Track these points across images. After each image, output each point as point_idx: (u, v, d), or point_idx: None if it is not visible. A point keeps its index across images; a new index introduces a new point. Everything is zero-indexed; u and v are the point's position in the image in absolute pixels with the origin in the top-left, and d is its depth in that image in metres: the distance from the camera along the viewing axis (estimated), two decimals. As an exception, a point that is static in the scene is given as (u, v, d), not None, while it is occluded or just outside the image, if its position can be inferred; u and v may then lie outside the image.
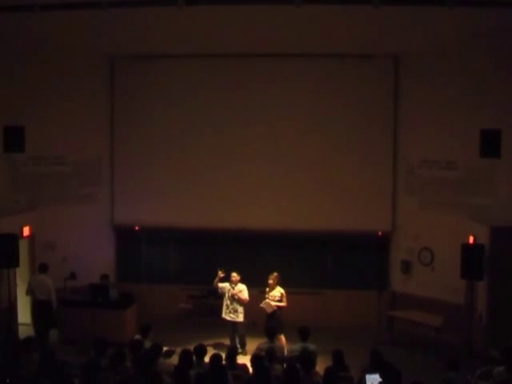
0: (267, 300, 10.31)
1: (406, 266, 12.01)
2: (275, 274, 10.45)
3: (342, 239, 12.29)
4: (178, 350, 7.48)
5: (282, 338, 9.94)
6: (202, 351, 7.31)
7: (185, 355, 7.01)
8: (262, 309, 10.29)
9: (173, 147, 12.53)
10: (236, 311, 10.42)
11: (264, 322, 10.07)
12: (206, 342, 8.09)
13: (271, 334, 8.36)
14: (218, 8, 8.91)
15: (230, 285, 10.49)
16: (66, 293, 11.15)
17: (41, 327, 10.38)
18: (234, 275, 10.50)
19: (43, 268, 10.92)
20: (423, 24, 9.77)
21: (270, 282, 10.38)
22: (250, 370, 7.31)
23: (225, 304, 10.55)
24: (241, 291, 10.43)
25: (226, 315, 10.50)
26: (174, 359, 7.47)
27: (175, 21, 9.66)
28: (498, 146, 9.91)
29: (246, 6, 8.69)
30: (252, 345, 9.41)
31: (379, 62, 12.14)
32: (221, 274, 10.57)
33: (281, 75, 12.27)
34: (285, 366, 7.49)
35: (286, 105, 12.28)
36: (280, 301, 10.30)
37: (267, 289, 10.45)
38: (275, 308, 10.23)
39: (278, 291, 10.37)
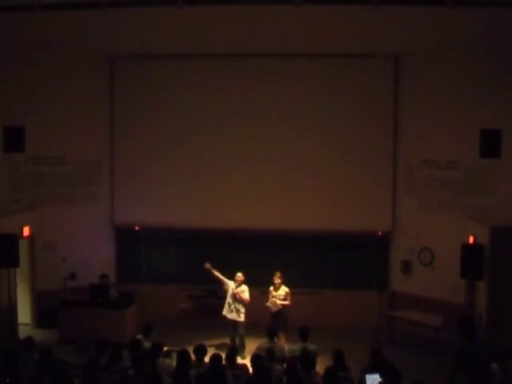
0: (273, 299, 10.37)
1: (406, 266, 12.02)
2: (279, 273, 10.48)
3: (341, 239, 12.29)
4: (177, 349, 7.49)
5: (282, 337, 9.97)
6: (201, 351, 7.31)
7: (183, 355, 7.01)
8: (267, 308, 10.37)
9: (173, 147, 12.52)
10: (238, 311, 10.41)
11: (269, 321, 10.16)
12: (205, 342, 8.09)
13: (271, 334, 8.37)
14: (218, 8, 8.91)
15: (234, 284, 10.50)
16: (65, 293, 11.16)
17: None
18: (240, 275, 10.49)
19: None
20: (423, 24, 9.77)
21: (278, 281, 10.44)
22: (250, 370, 7.31)
23: (227, 302, 10.55)
24: (243, 291, 10.44)
25: (227, 313, 10.50)
26: (174, 359, 7.46)
27: (175, 21, 9.67)
28: (498, 146, 9.92)
29: (246, 6, 8.70)
30: (252, 345, 9.41)
31: (379, 62, 12.13)
32: (206, 265, 10.51)
33: (281, 75, 12.28)
34: (285, 365, 7.50)
35: (286, 105, 12.28)
36: (285, 299, 10.39)
37: (271, 288, 10.51)
38: (280, 307, 10.33)
39: (283, 290, 10.46)
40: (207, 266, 10.54)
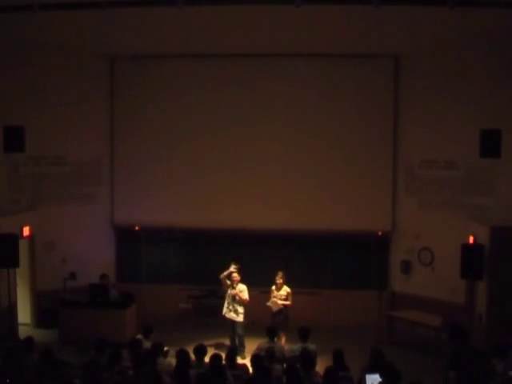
0: (274, 299, 10.39)
1: (406, 266, 12.01)
2: (281, 273, 10.49)
3: (341, 239, 12.28)
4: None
5: (283, 337, 9.97)
6: (202, 351, 7.31)
7: (182, 355, 7.01)
8: (268, 307, 10.38)
9: (173, 147, 12.52)
10: (236, 311, 10.41)
11: (270, 319, 10.20)
12: (205, 342, 8.09)
13: (271, 334, 8.37)
14: (218, 8, 8.91)
15: (231, 284, 10.49)
16: (65, 293, 11.16)
17: None
18: (235, 275, 10.48)
19: None
20: (423, 24, 9.77)
21: (280, 281, 10.46)
22: (250, 370, 7.31)
23: (226, 301, 10.55)
24: (241, 291, 10.43)
25: (227, 313, 10.50)
26: (172, 359, 7.46)
27: (175, 21, 9.66)
28: (498, 146, 9.91)
29: (246, 6, 8.69)
30: (252, 345, 9.41)
31: (379, 62, 12.13)
32: (232, 269, 10.47)
33: (281, 75, 12.27)
34: (285, 365, 7.50)
35: (285, 104, 12.28)
36: (286, 299, 10.42)
37: (273, 287, 10.53)
38: (281, 306, 10.37)
39: (284, 290, 10.49)
40: (232, 270, 10.42)
